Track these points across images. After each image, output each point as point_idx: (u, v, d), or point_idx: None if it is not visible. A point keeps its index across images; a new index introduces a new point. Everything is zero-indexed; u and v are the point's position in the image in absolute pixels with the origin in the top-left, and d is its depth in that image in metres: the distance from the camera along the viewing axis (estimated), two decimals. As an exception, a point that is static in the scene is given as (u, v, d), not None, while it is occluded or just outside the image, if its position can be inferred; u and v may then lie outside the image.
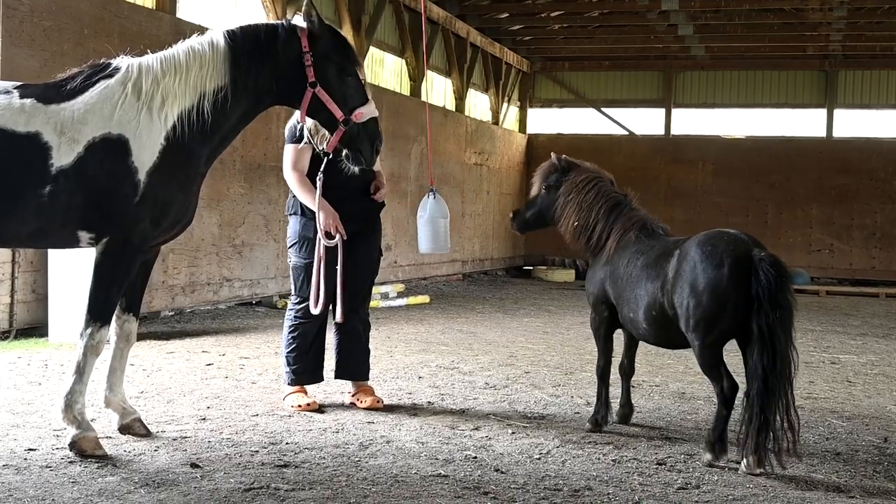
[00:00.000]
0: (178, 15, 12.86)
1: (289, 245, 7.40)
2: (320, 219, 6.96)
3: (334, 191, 7.04)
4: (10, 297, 10.21)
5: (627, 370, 6.97)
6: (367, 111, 6.09)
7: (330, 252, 7.01)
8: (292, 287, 7.37)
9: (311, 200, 7.01)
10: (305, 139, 7.01)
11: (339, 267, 7.00)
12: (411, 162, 19.78)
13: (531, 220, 7.27)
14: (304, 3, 6.00)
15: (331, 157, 6.48)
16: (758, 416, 5.64)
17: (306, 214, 7.20)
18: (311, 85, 5.92)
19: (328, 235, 6.98)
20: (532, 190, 7.32)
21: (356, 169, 6.37)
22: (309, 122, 6.42)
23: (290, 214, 7.37)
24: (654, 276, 6.21)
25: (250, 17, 14.98)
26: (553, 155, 7.15)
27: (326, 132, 6.24)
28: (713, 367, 5.96)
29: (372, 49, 18.57)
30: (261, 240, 14.19)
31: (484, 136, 24.28)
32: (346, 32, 17.38)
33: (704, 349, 5.93)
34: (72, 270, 9.89)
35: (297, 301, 7.29)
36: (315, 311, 7.00)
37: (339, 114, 5.99)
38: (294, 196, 7.27)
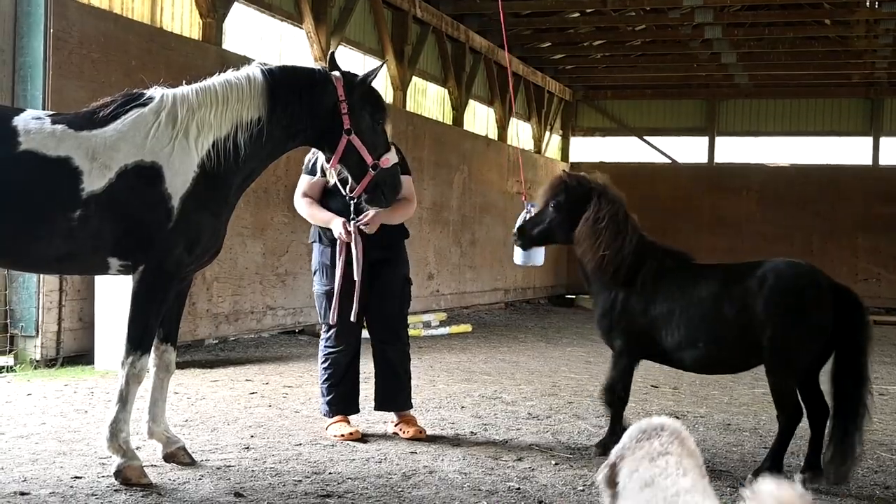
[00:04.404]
0: (224, 46, 13.01)
1: (313, 274, 7.47)
2: (334, 224, 7.04)
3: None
4: (58, 325, 10.32)
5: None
6: (392, 157, 6.35)
7: (349, 265, 7.05)
8: (318, 315, 7.42)
9: (322, 218, 7.15)
10: (321, 173, 7.13)
11: (355, 269, 7.02)
12: (453, 191, 19.83)
13: (538, 238, 7.23)
14: (329, 56, 6.32)
15: (354, 200, 6.74)
16: (850, 435, 5.94)
17: (323, 241, 7.29)
18: (346, 132, 6.11)
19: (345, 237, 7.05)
20: (537, 205, 7.26)
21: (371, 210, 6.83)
22: (321, 158, 6.70)
23: (312, 243, 7.45)
24: (731, 303, 6.27)
25: (295, 48, 15.13)
26: (563, 172, 7.09)
27: (349, 176, 6.40)
28: (793, 392, 6.15)
29: (415, 78, 18.67)
30: (304, 268, 14.25)
31: (526, 164, 24.28)
32: (390, 62, 17.52)
33: (793, 374, 6.14)
34: (118, 298, 9.98)
35: (325, 329, 7.35)
36: (332, 320, 7.11)
37: (369, 160, 6.20)
38: (314, 225, 7.35)
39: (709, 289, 6.39)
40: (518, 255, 7.86)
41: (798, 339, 6.08)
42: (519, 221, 7.91)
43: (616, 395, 6.82)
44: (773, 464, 6.09)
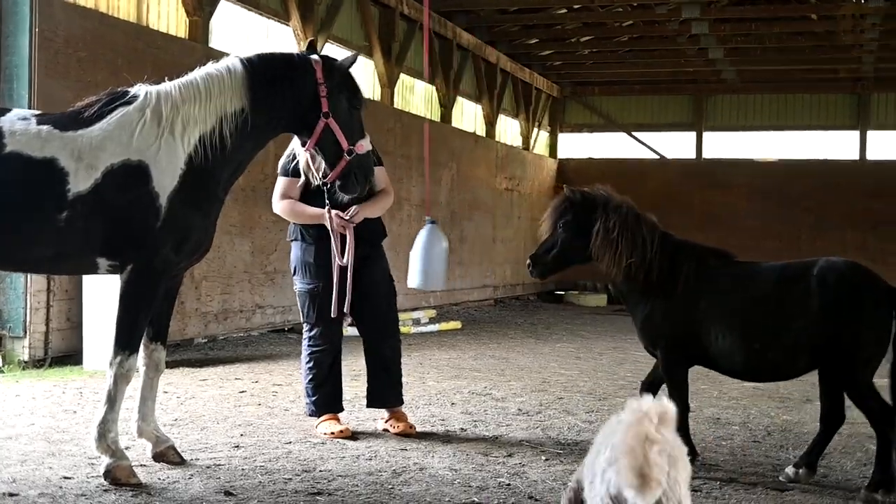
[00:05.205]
0: (211, 45, 12.99)
1: (292, 273, 7.44)
2: (326, 218, 7.00)
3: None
4: (46, 326, 10.29)
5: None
6: (367, 144, 6.32)
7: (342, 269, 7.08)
8: (301, 314, 7.40)
9: (310, 214, 7.12)
10: (302, 171, 7.09)
11: (348, 260, 7.05)
12: (442, 188, 19.82)
13: (555, 263, 6.68)
14: (308, 42, 6.35)
15: (328, 186, 6.54)
16: None
17: (306, 240, 7.26)
18: (324, 115, 6.08)
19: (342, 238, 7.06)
20: (544, 229, 6.75)
21: (346, 197, 6.69)
22: (302, 157, 6.70)
23: (292, 241, 7.41)
24: (790, 303, 6.03)
25: (281, 46, 15.09)
26: (566, 188, 6.76)
27: (323, 163, 6.34)
28: (871, 387, 5.92)
29: (402, 76, 18.66)
30: (293, 267, 14.23)
31: (514, 161, 24.30)
32: (377, 59, 17.52)
33: (861, 372, 5.90)
34: (106, 298, 9.95)
35: (307, 328, 7.33)
36: (334, 314, 7.10)
37: (345, 144, 6.15)
38: (294, 223, 7.34)
39: (764, 289, 6.14)
40: (415, 276, 7.78)
41: (862, 339, 5.85)
42: (419, 238, 7.81)
43: (685, 411, 6.29)
44: (884, 470, 5.73)
